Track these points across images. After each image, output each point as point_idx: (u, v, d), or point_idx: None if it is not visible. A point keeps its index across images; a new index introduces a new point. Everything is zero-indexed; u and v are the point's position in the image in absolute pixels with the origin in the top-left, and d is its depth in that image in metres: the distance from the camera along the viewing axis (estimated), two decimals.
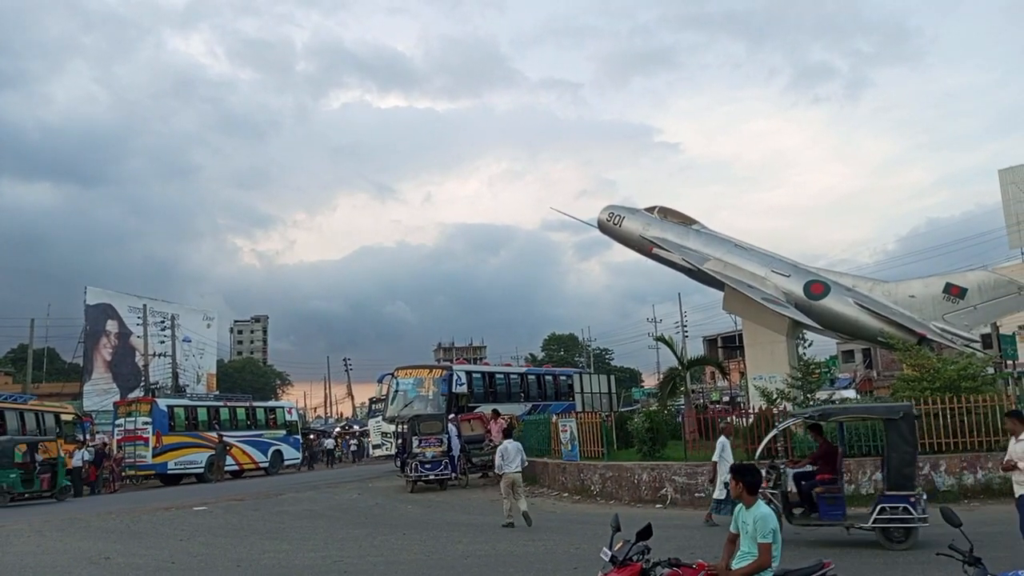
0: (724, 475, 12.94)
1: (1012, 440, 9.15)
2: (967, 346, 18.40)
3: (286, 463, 36.43)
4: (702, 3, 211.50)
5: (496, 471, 15.81)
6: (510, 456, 14.85)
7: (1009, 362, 31.81)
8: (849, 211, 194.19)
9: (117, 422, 31.45)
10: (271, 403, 44.78)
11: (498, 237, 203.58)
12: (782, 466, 12.26)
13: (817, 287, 19.88)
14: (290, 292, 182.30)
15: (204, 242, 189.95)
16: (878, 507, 10.88)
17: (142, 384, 54.82)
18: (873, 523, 10.78)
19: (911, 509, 10.64)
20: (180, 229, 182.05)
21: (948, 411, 15.02)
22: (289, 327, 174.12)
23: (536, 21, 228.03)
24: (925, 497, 10.91)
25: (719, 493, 13.22)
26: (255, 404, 38.07)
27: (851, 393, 35.45)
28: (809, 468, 12.28)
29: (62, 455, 25.23)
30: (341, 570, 10.83)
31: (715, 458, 13.62)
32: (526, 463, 15.96)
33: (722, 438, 13.93)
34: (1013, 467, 8.96)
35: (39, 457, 24.11)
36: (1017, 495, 8.97)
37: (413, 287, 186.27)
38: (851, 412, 13.35)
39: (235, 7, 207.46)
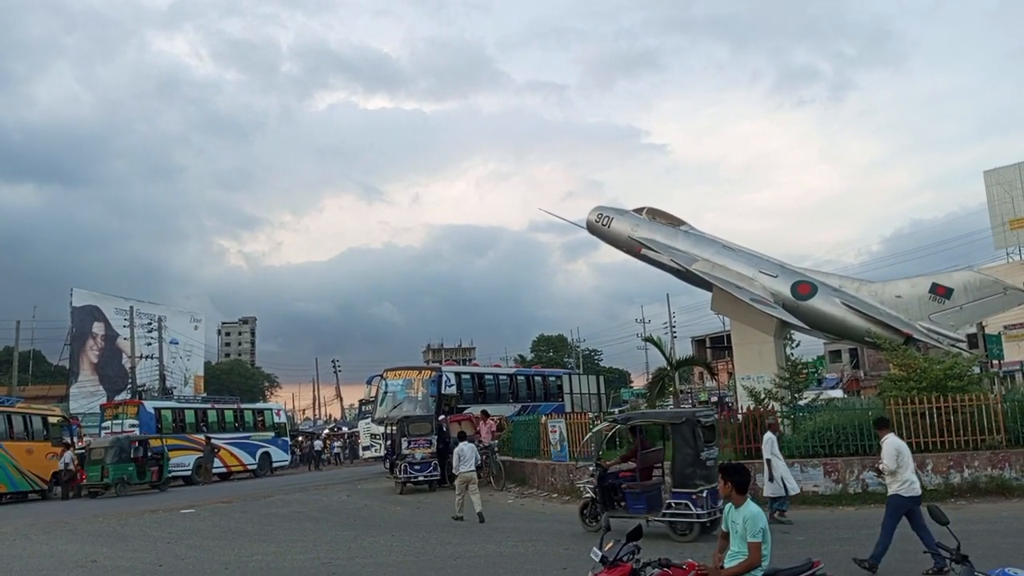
0: (777, 471, 13.09)
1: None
2: (953, 346, 18.50)
3: (274, 465, 36.27)
4: (685, 6, 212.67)
5: (453, 471, 16.59)
6: (465, 457, 15.96)
7: (995, 361, 32.00)
8: (834, 212, 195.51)
9: (104, 424, 31.26)
10: (259, 405, 44.62)
11: (485, 238, 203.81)
12: (601, 464, 13.73)
13: (804, 287, 19.96)
14: (277, 294, 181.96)
15: (190, 243, 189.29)
16: (666, 503, 12.24)
17: (129, 386, 54.52)
18: (662, 517, 12.20)
19: (692, 505, 11.93)
20: (165, 230, 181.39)
21: (935, 410, 15.10)
22: (276, 329, 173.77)
23: (521, 23, 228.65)
24: (705, 493, 11.96)
25: (775, 490, 13.13)
26: (243, 406, 37.90)
27: (838, 393, 35.64)
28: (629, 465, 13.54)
29: (167, 451, 29.01)
30: (329, 572, 10.80)
31: (767, 455, 13.32)
32: (479, 462, 17.29)
33: (768, 433, 13.59)
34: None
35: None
36: (889, 494, 9.62)
37: (400, 288, 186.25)
38: (648, 417, 15.03)
39: (219, 8, 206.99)
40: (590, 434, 14.10)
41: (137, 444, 27.57)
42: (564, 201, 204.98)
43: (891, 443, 9.81)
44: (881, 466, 9.86)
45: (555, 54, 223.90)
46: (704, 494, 12.02)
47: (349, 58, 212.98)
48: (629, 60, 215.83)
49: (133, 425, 29.85)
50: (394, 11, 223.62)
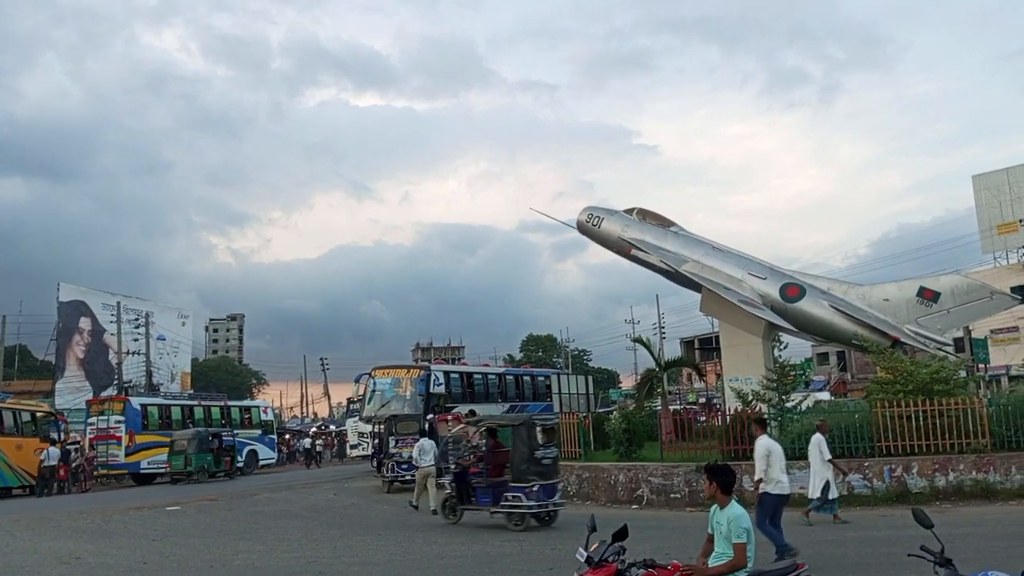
0: (824, 472, 13.09)
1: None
2: (940, 349, 18.60)
3: (261, 463, 36.15)
4: (676, 7, 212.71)
5: (413, 463, 17.81)
6: (425, 451, 17.22)
7: (981, 365, 32.27)
8: (823, 215, 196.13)
9: (90, 420, 31.12)
10: (246, 402, 44.43)
11: (475, 237, 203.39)
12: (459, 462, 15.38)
13: (793, 290, 20.04)
14: (266, 290, 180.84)
15: (178, 239, 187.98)
16: (504, 496, 13.82)
17: (115, 382, 54.19)
18: (500, 508, 13.90)
19: (524, 498, 13.60)
20: (153, 226, 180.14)
21: (920, 414, 15.18)
22: (265, 326, 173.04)
23: (512, 22, 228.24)
24: (537, 488, 13.58)
25: (832, 492, 13.12)
26: (230, 403, 37.77)
27: (825, 395, 35.75)
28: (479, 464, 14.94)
29: (236, 442, 32.20)
30: (315, 571, 10.76)
31: (827, 456, 13.22)
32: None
33: (817, 435, 13.49)
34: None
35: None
36: (760, 491, 10.12)
37: (390, 287, 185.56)
38: (496, 421, 16.99)
39: (209, 3, 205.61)
40: (448, 436, 15.72)
41: (212, 436, 30.45)
42: (555, 201, 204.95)
43: (762, 444, 10.40)
44: (757, 463, 10.36)
45: (546, 53, 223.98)
46: (536, 488, 13.64)
47: (339, 55, 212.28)
48: (620, 60, 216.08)
49: (119, 421, 29.71)
50: (385, 8, 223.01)
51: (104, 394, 45.75)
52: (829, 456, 13.27)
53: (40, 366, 64.96)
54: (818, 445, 13.28)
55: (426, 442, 17.52)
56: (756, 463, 10.32)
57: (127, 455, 29.49)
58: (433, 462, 17.03)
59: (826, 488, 13.07)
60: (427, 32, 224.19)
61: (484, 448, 15.56)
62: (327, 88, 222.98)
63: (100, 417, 30.37)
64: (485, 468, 14.77)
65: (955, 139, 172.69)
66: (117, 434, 29.56)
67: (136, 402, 31.76)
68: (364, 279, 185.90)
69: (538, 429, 14.77)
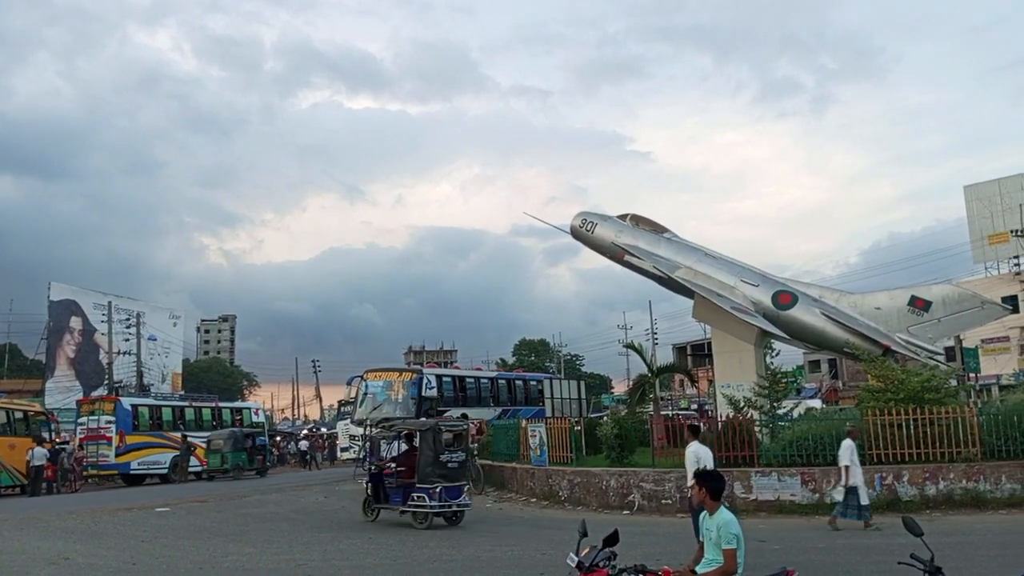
0: (855, 478, 13.04)
1: None
2: (931, 358, 18.66)
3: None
4: (669, 15, 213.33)
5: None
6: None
7: (972, 375, 32.36)
8: (815, 223, 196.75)
9: (80, 420, 31.00)
10: (237, 404, 44.28)
11: (468, 241, 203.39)
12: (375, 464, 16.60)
13: (785, 297, 20.08)
14: (257, 292, 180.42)
15: (169, 239, 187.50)
16: (411, 496, 14.93)
17: (106, 382, 54.04)
18: (406, 508, 15.07)
19: (428, 498, 14.69)
20: (144, 226, 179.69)
21: (911, 422, 15.23)
22: (256, 327, 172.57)
23: (506, 27, 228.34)
24: (439, 489, 14.77)
25: (863, 498, 13.05)
26: (221, 405, 37.63)
27: (817, 403, 35.84)
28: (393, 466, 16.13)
29: (267, 441, 34.43)
30: (305, 574, 10.73)
31: (845, 462, 13.20)
32: None
33: (848, 440, 13.44)
34: None
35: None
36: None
37: (382, 289, 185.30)
38: (406, 425, 17.92)
39: (202, 4, 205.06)
40: (364, 439, 15.90)
41: (246, 436, 32.29)
42: (547, 206, 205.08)
43: (691, 450, 11.50)
44: (688, 466, 11.34)
45: (539, 59, 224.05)
46: (439, 490, 14.79)
47: (333, 57, 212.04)
48: (613, 67, 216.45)
49: (110, 421, 29.56)
50: (379, 11, 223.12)
51: (94, 394, 45.59)
52: (847, 463, 13.14)
53: (30, 365, 64.69)
54: (850, 450, 13.21)
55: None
56: (687, 468, 11.25)
57: (117, 455, 29.33)
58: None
59: (853, 494, 13.03)
60: (421, 36, 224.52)
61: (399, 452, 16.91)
62: (320, 90, 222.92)
63: (91, 417, 30.24)
64: (397, 470, 16.00)
65: (947, 150, 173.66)
66: (107, 434, 29.40)
67: (127, 402, 31.59)
68: (356, 282, 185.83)
69: (448, 435, 15.94)
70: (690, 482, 10.07)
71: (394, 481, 15.81)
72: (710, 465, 11.07)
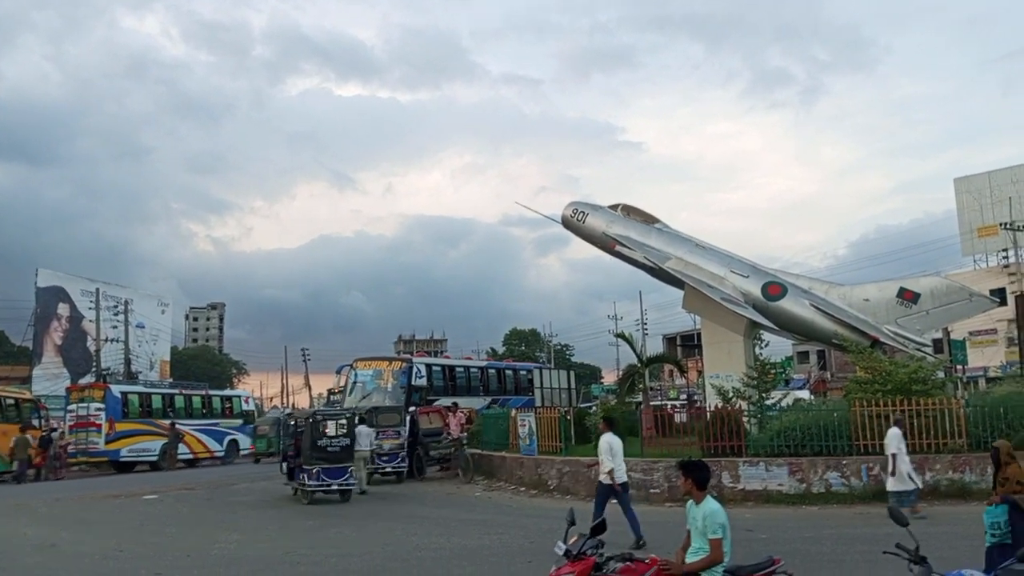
0: (904, 465, 13.00)
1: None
2: (918, 350, 18.76)
3: (242, 453, 36.05)
4: (661, 4, 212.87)
5: (359, 448, 19.41)
6: (362, 437, 19.26)
7: (959, 367, 32.56)
8: (806, 215, 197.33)
9: (69, 407, 30.89)
10: (227, 392, 44.18)
11: (458, 230, 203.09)
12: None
13: (774, 288, 20.14)
14: (246, 279, 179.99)
15: (157, 226, 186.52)
16: (298, 476, 17.85)
17: (93, 369, 53.78)
18: (292, 484, 18.23)
19: (307, 478, 17.23)
20: (132, 212, 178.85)
21: (899, 413, 15.30)
22: (244, 315, 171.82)
23: (497, 15, 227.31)
24: (316, 470, 17.31)
25: (903, 484, 13.01)
26: (211, 393, 37.56)
27: (805, 394, 36.01)
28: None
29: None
30: (293, 561, 10.73)
31: (893, 450, 13.13)
32: (375, 445, 20.49)
33: (895, 429, 13.40)
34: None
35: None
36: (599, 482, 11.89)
37: (372, 278, 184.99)
38: (295, 416, 20.82)
39: None
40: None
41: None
42: (538, 195, 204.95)
43: (605, 439, 12.02)
44: (600, 460, 12.12)
45: (531, 47, 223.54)
46: (316, 471, 17.21)
47: (322, 43, 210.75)
48: (605, 56, 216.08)
49: (99, 409, 29.47)
50: None
51: (82, 381, 45.41)
52: (894, 451, 13.05)
53: (17, 352, 64.35)
54: (896, 439, 13.18)
55: (364, 428, 19.65)
56: (601, 456, 11.94)
57: (107, 442, 29.26)
58: (369, 447, 19.75)
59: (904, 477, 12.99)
60: (411, 23, 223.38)
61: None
62: (310, 77, 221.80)
63: (80, 404, 30.15)
64: (295, 453, 18.41)
65: (938, 142, 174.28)
66: (97, 421, 29.33)
67: (116, 390, 31.51)
68: (345, 270, 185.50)
69: (331, 423, 18.04)
70: (604, 468, 11.75)
71: (293, 462, 18.44)
72: (621, 455, 12.00)
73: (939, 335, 28.92)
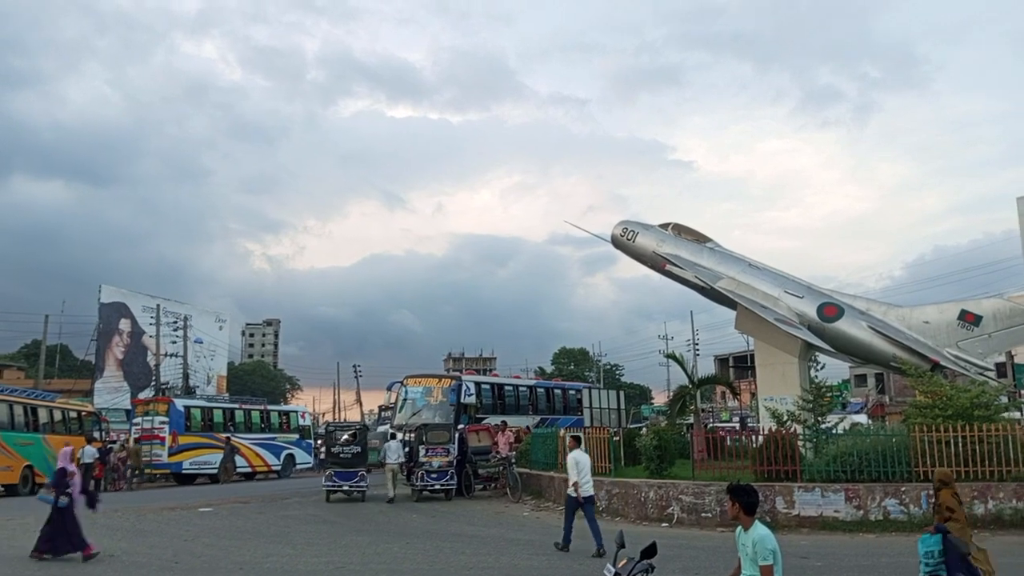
0: None
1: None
2: (981, 374, 18.20)
3: (298, 467, 36.61)
4: (709, 23, 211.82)
5: (380, 459, 22.22)
6: (392, 451, 21.68)
7: (1023, 392, 31.52)
8: (860, 234, 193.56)
9: (135, 420, 31.73)
10: (285, 407, 44.97)
11: (506, 249, 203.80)
12: None
13: (831, 309, 19.75)
14: (299, 297, 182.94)
15: (215, 245, 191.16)
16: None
17: (152, 383, 55.06)
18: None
19: (324, 480, 21.39)
20: (191, 231, 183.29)
21: (960, 439, 14.87)
22: (297, 332, 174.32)
23: (543, 36, 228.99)
24: (330, 473, 21.06)
25: None
26: (269, 408, 38.26)
27: (863, 418, 35.17)
28: None
29: (314, 444, 37.14)
30: None
31: None
32: (402, 458, 21.93)
33: None
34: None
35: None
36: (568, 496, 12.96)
37: (420, 296, 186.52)
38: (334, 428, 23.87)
39: (246, 14, 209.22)
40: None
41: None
42: (586, 214, 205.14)
43: (572, 456, 13.05)
44: (569, 471, 13.19)
45: (577, 68, 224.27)
46: (330, 473, 21.16)
47: (373, 67, 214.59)
48: (652, 75, 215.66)
49: (163, 422, 30.23)
50: (418, 20, 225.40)
51: (142, 395, 46.52)
52: None
53: (80, 366, 66.22)
54: None
55: (393, 443, 22.15)
56: (568, 471, 13.04)
57: (170, 455, 30.00)
58: (397, 460, 21.59)
59: None
60: (459, 45, 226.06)
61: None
62: (361, 99, 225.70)
63: (145, 417, 30.97)
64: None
65: (998, 161, 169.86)
66: (161, 434, 30.09)
67: (180, 403, 32.34)
68: (395, 288, 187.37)
69: (344, 433, 21.89)
70: (573, 480, 12.82)
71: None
72: (588, 471, 13.02)
73: (1002, 359, 28.04)
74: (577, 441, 14.02)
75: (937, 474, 7.81)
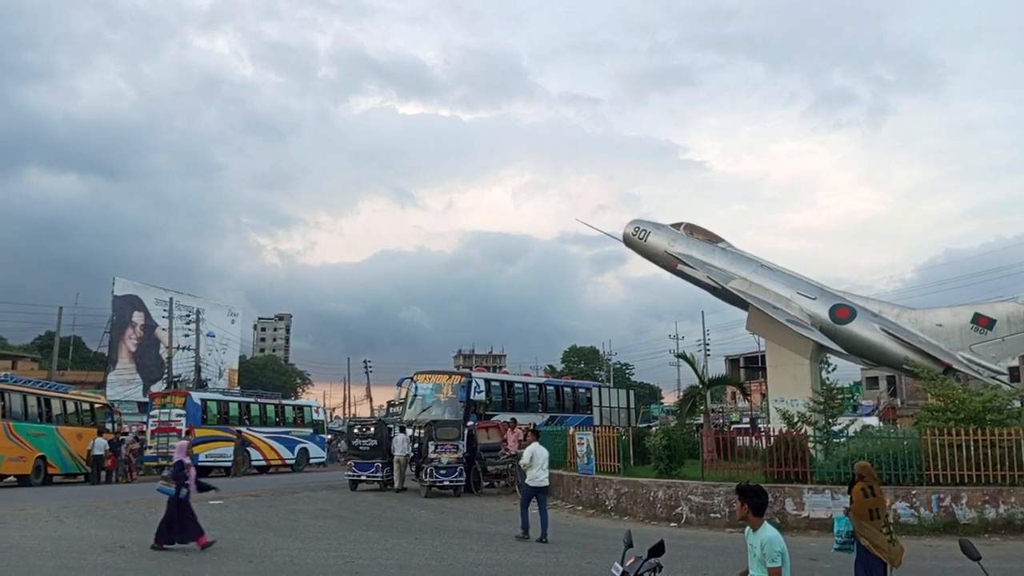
0: None
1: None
2: (993, 378, 18.07)
3: (311, 461, 36.80)
4: (720, 24, 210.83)
5: (397, 452, 23.18)
6: (398, 443, 23.21)
7: None
8: (873, 236, 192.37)
9: (152, 413, 31.98)
10: (299, 402, 45.23)
11: (516, 246, 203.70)
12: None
13: (843, 311, 19.66)
14: (310, 292, 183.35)
15: (227, 239, 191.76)
16: None
17: (165, 376, 55.40)
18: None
19: (346, 470, 24.19)
20: (203, 225, 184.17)
21: (972, 443, 14.78)
22: (308, 327, 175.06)
23: (555, 36, 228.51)
24: (350, 463, 23.99)
25: None
26: (284, 402, 38.47)
27: (874, 420, 35.00)
28: None
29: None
30: (352, 571, 10.87)
31: None
32: (409, 452, 23.30)
33: None
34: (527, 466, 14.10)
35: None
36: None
37: (431, 293, 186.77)
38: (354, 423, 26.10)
39: (258, 10, 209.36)
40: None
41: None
42: (596, 213, 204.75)
43: (529, 448, 14.19)
44: (521, 462, 14.72)
45: (589, 68, 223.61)
46: (350, 463, 23.97)
47: (385, 64, 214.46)
48: (664, 75, 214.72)
49: (180, 414, 30.44)
50: (429, 19, 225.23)
51: (154, 388, 46.87)
52: None
53: (93, 357, 66.68)
54: None
55: (401, 436, 23.47)
56: (524, 461, 14.20)
57: None
58: (402, 452, 23.09)
59: None
60: (471, 44, 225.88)
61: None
62: (373, 96, 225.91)
63: (162, 410, 31.19)
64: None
65: (1014, 165, 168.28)
66: (177, 427, 30.28)
67: (197, 396, 32.61)
68: (405, 285, 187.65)
69: (361, 428, 24.45)
70: (523, 461, 14.16)
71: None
72: (544, 462, 14.11)
73: (1016, 363, 27.85)
74: (536, 435, 15.31)
75: (856, 467, 8.01)
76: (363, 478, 23.10)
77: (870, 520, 7.32)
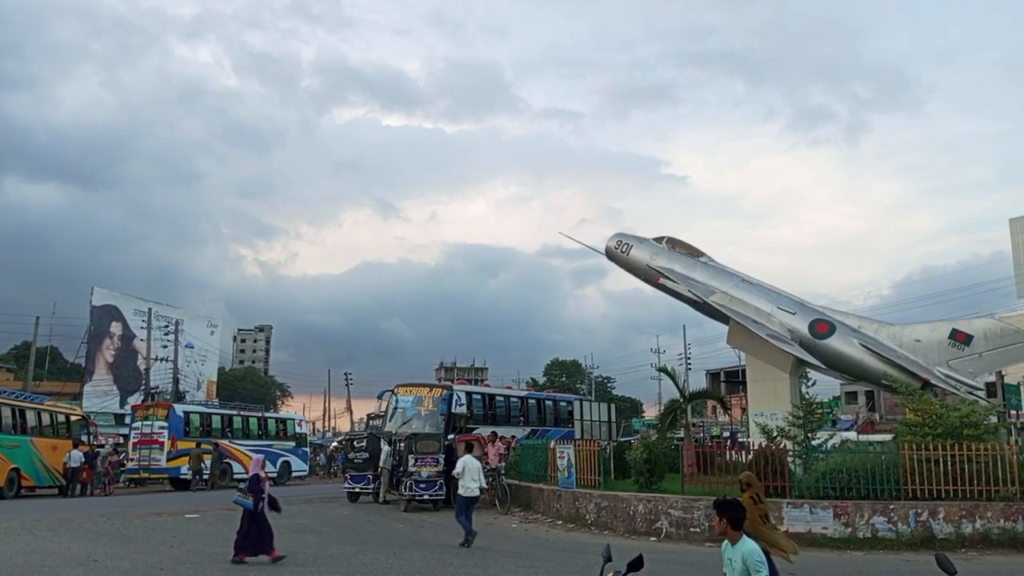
0: None
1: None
2: (971, 393, 18.24)
3: (293, 475, 36.45)
4: (700, 41, 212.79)
5: (381, 464, 23.62)
6: (387, 455, 23.61)
7: (1012, 412, 31.59)
8: (852, 253, 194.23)
9: (134, 425, 31.70)
10: (282, 414, 44.90)
11: (498, 259, 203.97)
12: None
13: (822, 326, 19.80)
14: (291, 303, 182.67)
15: (207, 249, 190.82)
16: None
17: (142, 388, 54.80)
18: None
19: (344, 482, 25.01)
20: (183, 235, 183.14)
21: (949, 458, 14.87)
22: (288, 338, 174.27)
23: (536, 50, 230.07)
24: (347, 475, 24.97)
25: None
26: (267, 415, 38.19)
27: (853, 435, 35.20)
28: None
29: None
30: None
31: None
32: (393, 461, 23.62)
33: None
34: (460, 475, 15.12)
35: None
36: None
37: (413, 305, 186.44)
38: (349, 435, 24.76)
39: (242, 20, 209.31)
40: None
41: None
42: (579, 227, 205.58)
43: (462, 460, 15.30)
44: (455, 472, 15.82)
45: (571, 82, 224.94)
46: (347, 475, 25.05)
47: (368, 75, 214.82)
48: (645, 91, 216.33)
49: (162, 427, 30.17)
50: (413, 31, 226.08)
51: (131, 400, 46.36)
52: None
53: (70, 368, 65.91)
54: None
55: (387, 447, 23.80)
56: (457, 472, 15.30)
57: (168, 460, 29.98)
58: (384, 462, 23.54)
59: None
60: (454, 56, 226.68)
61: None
62: (356, 107, 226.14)
63: (144, 422, 30.89)
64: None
65: (991, 182, 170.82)
66: (160, 439, 30.00)
67: (179, 409, 32.40)
68: (387, 296, 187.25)
69: (356, 442, 25.22)
70: (456, 472, 15.28)
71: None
72: (476, 473, 15.17)
73: (993, 379, 28.12)
74: (469, 448, 16.76)
75: (742, 476, 8.75)
76: (357, 490, 24.04)
77: (763, 524, 7.96)
